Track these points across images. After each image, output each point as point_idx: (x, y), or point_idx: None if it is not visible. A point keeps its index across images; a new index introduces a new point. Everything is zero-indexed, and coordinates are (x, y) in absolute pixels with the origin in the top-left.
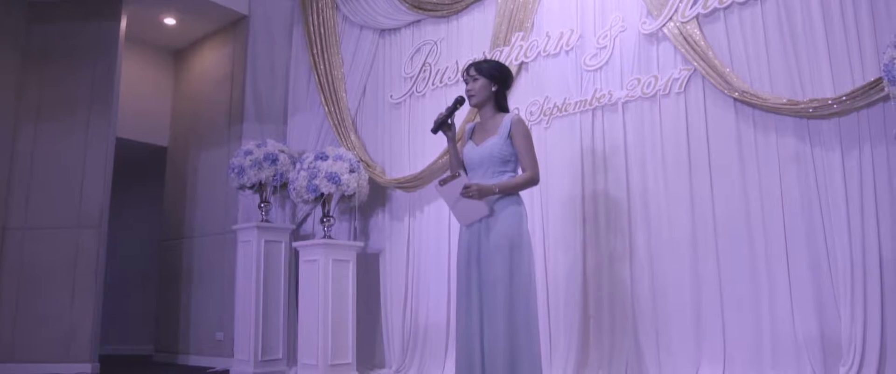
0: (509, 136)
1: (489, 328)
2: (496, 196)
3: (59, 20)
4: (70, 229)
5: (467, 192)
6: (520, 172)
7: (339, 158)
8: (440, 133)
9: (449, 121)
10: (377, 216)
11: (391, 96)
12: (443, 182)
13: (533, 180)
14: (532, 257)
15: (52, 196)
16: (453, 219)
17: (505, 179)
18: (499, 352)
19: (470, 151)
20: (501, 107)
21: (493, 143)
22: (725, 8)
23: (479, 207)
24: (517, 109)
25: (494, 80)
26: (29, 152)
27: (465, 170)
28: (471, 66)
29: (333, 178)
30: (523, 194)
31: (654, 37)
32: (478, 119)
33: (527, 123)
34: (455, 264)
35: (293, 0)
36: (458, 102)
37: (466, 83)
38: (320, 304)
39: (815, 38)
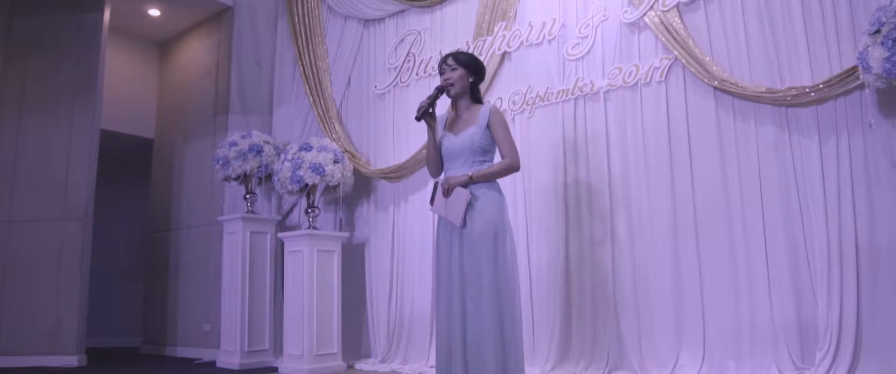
0: (488, 125)
1: (475, 316)
2: (473, 183)
3: (43, 11)
4: (55, 222)
5: (445, 188)
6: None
7: (324, 148)
8: (422, 122)
9: (430, 109)
10: (362, 207)
11: (376, 87)
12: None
13: (513, 167)
14: (514, 246)
15: (37, 188)
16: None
17: (484, 169)
18: (487, 340)
19: (449, 141)
20: (476, 98)
21: (472, 132)
22: None
23: (459, 195)
24: (500, 99)
25: (471, 71)
26: (13, 145)
27: (441, 159)
28: (449, 56)
29: (317, 168)
30: (505, 183)
31: (636, 26)
32: (452, 111)
33: (505, 113)
34: None
35: None
36: (440, 90)
37: (443, 73)
38: (306, 295)
39: (794, 26)
